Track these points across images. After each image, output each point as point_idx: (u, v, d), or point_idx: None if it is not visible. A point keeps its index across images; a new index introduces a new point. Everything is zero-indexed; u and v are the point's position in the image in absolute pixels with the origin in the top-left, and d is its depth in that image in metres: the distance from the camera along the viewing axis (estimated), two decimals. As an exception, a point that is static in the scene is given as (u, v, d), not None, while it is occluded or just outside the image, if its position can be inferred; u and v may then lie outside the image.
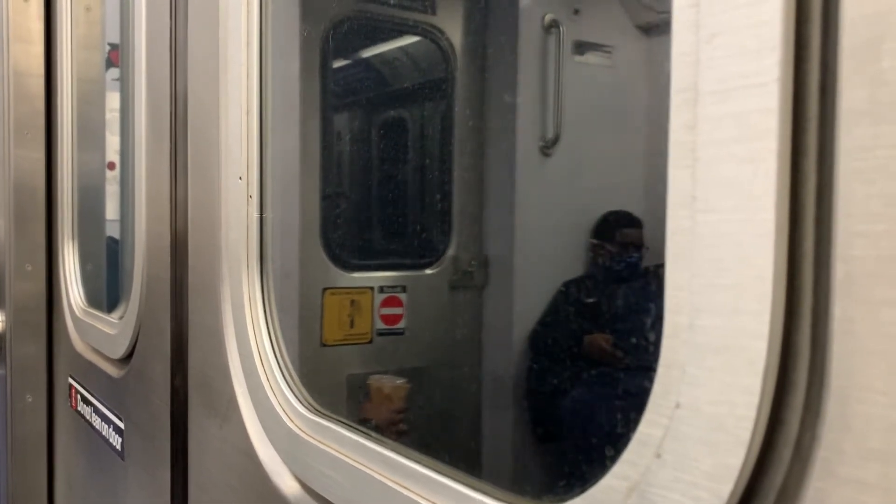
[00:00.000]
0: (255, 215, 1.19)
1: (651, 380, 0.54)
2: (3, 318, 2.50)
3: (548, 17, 2.45)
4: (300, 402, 1.08)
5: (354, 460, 0.92)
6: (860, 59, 0.44)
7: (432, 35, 2.55)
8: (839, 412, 0.45)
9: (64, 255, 2.34)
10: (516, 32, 2.45)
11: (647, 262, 2.38)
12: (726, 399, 0.49)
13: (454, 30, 2.56)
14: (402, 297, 2.45)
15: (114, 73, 2.62)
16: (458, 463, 0.82)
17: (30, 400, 2.46)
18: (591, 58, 2.53)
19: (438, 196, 2.57)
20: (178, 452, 1.44)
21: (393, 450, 0.87)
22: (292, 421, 1.06)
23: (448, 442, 2.33)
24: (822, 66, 0.47)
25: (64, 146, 2.32)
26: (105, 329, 1.91)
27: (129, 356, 1.73)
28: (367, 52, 2.68)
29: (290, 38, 1.97)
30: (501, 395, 2.53)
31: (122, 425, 1.77)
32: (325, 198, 2.38)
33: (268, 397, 1.12)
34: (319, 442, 1.00)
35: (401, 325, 2.45)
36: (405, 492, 0.83)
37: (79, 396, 2.14)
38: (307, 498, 1.02)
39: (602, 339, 2.32)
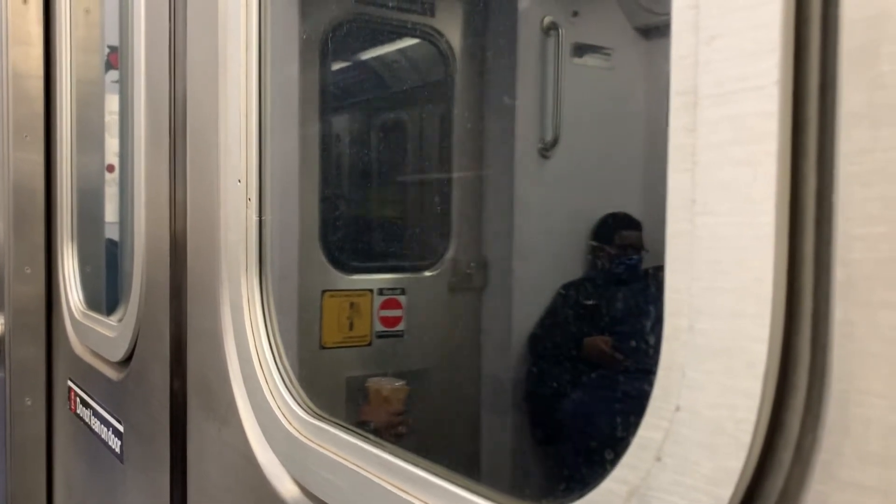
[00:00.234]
0: (254, 218, 1.18)
1: (651, 383, 0.54)
2: (3, 320, 2.50)
3: (547, 20, 2.45)
4: (299, 405, 1.08)
5: (353, 463, 0.92)
6: (859, 61, 0.44)
7: (431, 37, 2.55)
8: (839, 415, 0.45)
9: (63, 257, 2.33)
10: (515, 35, 2.45)
11: (646, 264, 2.38)
12: (726, 402, 0.49)
13: (453, 32, 2.56)
14: (402, 299, 2.45)
15: (113, 75, 2.62)
16: (457, 466, 0.82)
17: (29, 403, 2.46)
18: (590, 60, 2.53)
19: (437, 198, 2.56)
20: (177, 455, 1.44)
21: (392, 453, 0.87)
22: (291, 424, 1.06)
23: (447, 445, 2.32)
24: (822, 69, 0.47)
25: (63, 148, 2.31)
26: (104, 332, 1.91)
27: (128, 359, 1.73)
28: (366, 55, 2.68)
29: (290, 41, 1.98)
30: (501, 398, 2.53)
31: (121, 428, 1.77)
32: (324, 200, 2.37)
33: (267, 400, 1.12)
34: (318, 445, 1.00)
35: (400, 327, 2.44)
36: (404, 495, 0.82)
37: (78, 399, 2.14)
38: (306, 501, 1.02)
39: (601, 342, 2.31)
